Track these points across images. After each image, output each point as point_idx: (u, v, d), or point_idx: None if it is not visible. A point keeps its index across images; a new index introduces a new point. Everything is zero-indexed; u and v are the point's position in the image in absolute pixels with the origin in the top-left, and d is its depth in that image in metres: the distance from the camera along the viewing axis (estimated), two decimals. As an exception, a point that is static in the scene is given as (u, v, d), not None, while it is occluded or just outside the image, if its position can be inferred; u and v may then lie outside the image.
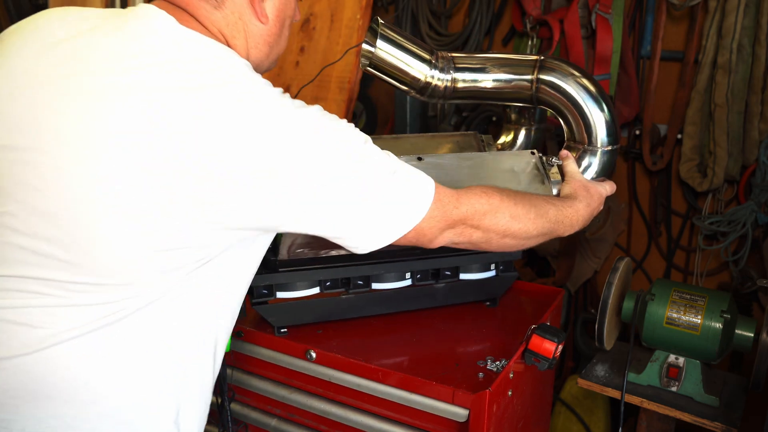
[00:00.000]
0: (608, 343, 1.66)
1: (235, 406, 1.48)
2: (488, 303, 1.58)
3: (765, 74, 1.95)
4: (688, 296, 1.57)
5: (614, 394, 1.63)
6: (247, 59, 1.04)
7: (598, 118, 1.41)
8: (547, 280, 2.41)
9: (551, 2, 2.23)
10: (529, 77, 1.44)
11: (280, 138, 0.89)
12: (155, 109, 0.85)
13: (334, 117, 0.99)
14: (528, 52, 2.27)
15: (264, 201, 0.90)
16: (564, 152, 1.40)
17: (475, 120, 2.50)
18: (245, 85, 0.91)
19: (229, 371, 1.46)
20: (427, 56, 1.42)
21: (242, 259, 1.02)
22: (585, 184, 1.33)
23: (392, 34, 1.41)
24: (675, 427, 1.64)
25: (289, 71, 2.66)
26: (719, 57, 1.97)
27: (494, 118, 2.46)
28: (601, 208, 1.37)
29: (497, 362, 1.27)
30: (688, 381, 1.58)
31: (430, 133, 1.67)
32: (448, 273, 1.49)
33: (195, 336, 1.00)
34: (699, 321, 1.53)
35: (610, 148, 1.43)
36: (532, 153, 1.45)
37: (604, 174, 1.45)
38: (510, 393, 1.27)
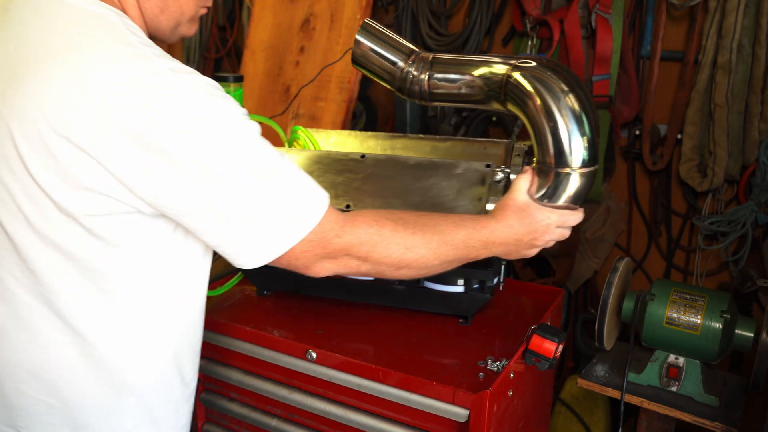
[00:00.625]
0: (608, 343, 1.66)
1: (235, 406, 1.48)
2: (460, 320, 1.48)
3: (765, 74, 1.95)
4: (688, 296, 1.57)
5: (614, 394, 1.63)
6: (140, 15, 1.02)
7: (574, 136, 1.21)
8: (547, 280, 2.41)
9: (551, 2, 2.23)
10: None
11: (155, 103, 0.87)
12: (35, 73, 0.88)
13: (230, 108, 0.94)
14: (528, 52, 2.27)
15: (134, 170, 0.88)
16: (526, 168, 1.24)
17: (474, 120, 2.50)
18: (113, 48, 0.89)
19: (229, 371, 1.46)
20: (404, 54, 1.40)
21: (167, 244, 1.00)
22: (520, 205, 1.18)
23: (375, 30, 1.41)
24: (675, 427, 1.64)
25: (289, 71, 2.66)
26: (719, 57, 1.97)
27: (494, 119, 2.46)
28: (548, 236, 1.20)
29: (498, 362, 1.26)
30: (688, 381, 1.58)
31: (462, 138, 1.61)
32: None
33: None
34: (699, 321, 1.53)
35: (587, 169, 1.22)
36: (487, 166, 1.37)
37: (576, 198, 1.24)
38: (510, 393, 1.27)
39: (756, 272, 2.04)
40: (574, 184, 1.19)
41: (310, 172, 1.45)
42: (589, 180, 1.21)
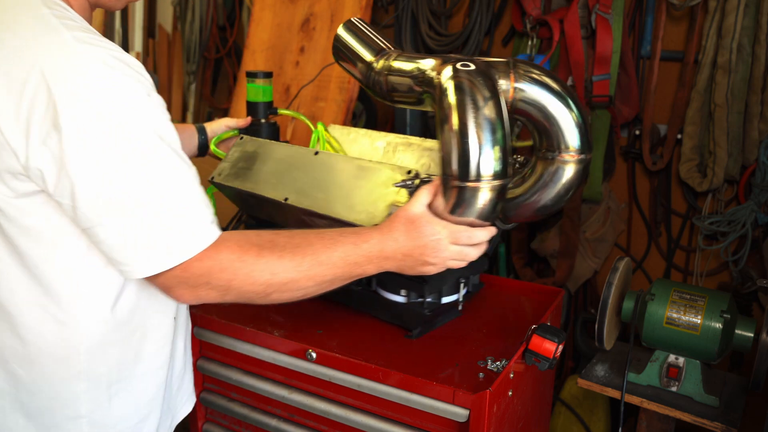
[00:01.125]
0: (608, 343, 1.66)
1: (235, 406, 1.48)
2: (406, 334, 1.40)
3: (765, 74, 1.95)
4: (688, 296, 1.57)
5: (614, 394, 1.63)
6: None
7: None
8: (547, 280, 2.41)
9: (551, 2, 2.23)
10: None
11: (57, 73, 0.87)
12: None
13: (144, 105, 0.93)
14: (528, 52, 2.27)
15: (30, 143, 0.88)
16: (436, 179, 1.14)
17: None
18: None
19: (229, 371, 1.46)
20: (374, 51, 1.40)
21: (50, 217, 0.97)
22: (410, 217, 1.10)
23: (356, 27, 1.44)
24: (675, 427, 1.64)
25: (289, 71, 2.66)
26: (719, 57, 1.97)
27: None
28: (442, 254, 1.10)
29: (497, 362, 1.26)
30: (688, 381, 1.58)
31: None
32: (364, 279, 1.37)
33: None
34: (699, 321, 1.53)
35: (496, 183, 1.13)
36: (408, 172, 1.30)
37: (484, 214, 1.13)
38: (510, 393, 1.27)
39: (756, 272, 2.04)
40: (480, 198, 1.09)
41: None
42: (499, 194, 1.10)
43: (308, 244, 1.04)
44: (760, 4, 1.91)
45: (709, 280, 2.22)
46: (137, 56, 3.58)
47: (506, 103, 1.17)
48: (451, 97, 1.08)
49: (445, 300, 1.43)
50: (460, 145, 1.06)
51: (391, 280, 1.40)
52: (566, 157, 1.20)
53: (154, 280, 0.98)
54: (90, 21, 1.05)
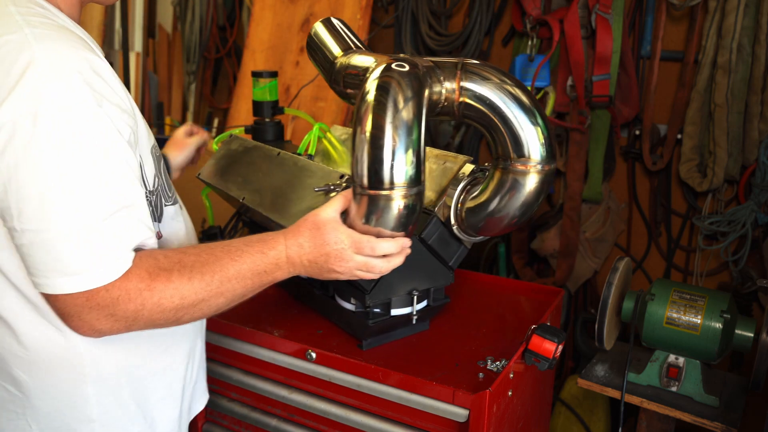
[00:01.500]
0: (608, 343, 1.66)
1: (235, 406, 1.48)
2: (358, 344, 1.36)
3: (765, 74, 1.95)
4: (688, 296, 1.57)
5: (614, 394, 1.63)
6: None
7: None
8: (547, 280, 2.41)
9: (551, 2, 2.23)
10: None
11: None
12: None
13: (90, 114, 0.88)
14: (528, 52, 2.27)
15: None
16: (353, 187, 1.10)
17: (475, 120, 2.49)
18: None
19: (229, 371, 1.46)
20: (340, 49, 1.39)
21: None
22: (317, 222, 1.06)
23: (332, 25, 1.43)
24: (675, 427, 1.64)
25: (289, 71, 2.66)
26: (719, 57, 1.97)
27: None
28: (345, 263, 1.06)
29: (497, 362, 1.26)
30: (688, 381, 1.58)
31: (434, 149, 1.51)
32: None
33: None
34: (699, 321, 1.53)
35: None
36: (342, 176, 1.30)
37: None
38: (510, 393, 1.27)
39: (756, 272, 2.04)
40: (391, 207, 1.05)
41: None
42: (414, 202, 1.06)
43: (215, 260, 1.00)
44: (760, 4, 1.91)
45: (709, 280, 2.22)
46: (137, 56, 3.58)
47: (453, 107, 1.14)
48: (369, 97, 1.04)
49: (397, 312, 1.33)
50: (371, 150, 1.02)
51: (344, 287, 1.34)
52: (519, 166, 1.14)
53: (53, 303, 0.93)
54: (77, 16, 1.03)
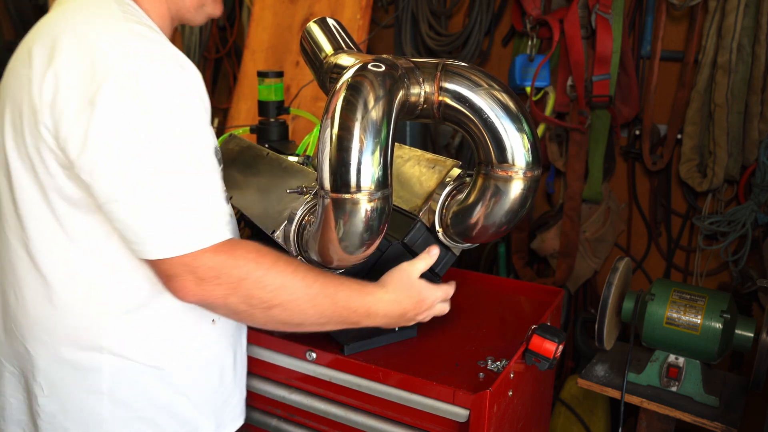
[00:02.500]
0: (608, 343, 1.66)
1: (235, 406, 1.48)
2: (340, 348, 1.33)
3: (765, 74, 1.95)
4: (688, 296, 1.57)
5: (614, 394, 1.63)
6: (165, 2, 1.07)
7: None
8: (547, 280, 2.41)
9: (551, 2, 2.23)
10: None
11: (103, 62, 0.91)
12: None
13: (184, 102, 0.95)
14: (528, 52, 2.27)
15: (71, 123, 0.92)
16: (432, 247, 1.20)
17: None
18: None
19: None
20: (333, 47, 1.38)
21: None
22: (409, 281, 1.15)
23: (326, 24, 1.42)
24: (675, 427, 1.64)
25: (289, 71, 2.66)
26: (719, 57, 1.97)
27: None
28: (431, 312, 1.20)
29: (498, 362, 1.26)
30: (688, 381, 1.58)
31: (424, 152, 1.47)
32: None
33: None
34: (699, 321, 1.53)
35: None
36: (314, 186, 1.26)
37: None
38: (510, 393, 1.27)
39: (756, 272, 2.04)
40: (358, 211, 1.06)
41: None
42: (382, 205, 1.06)
43: (320, 273, 1.06)
44: (760, 4, 1.91)
45: (709, 280, 2.22)
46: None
47: (433, 109, 1.12)
48: (338, 96, 1.03)
49: None
50: (336, 151, 1.01)
51: None
52: (501, 172, 1.11)
53: (160, 266, 0.96)
54: (169, 31, 1.10)
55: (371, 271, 1.24)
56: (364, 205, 1.04)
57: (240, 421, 1.25)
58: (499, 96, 1.09)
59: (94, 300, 1.03)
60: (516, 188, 1.12)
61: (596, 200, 2.28)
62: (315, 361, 1.32)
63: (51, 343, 1.05)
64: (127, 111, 0.90)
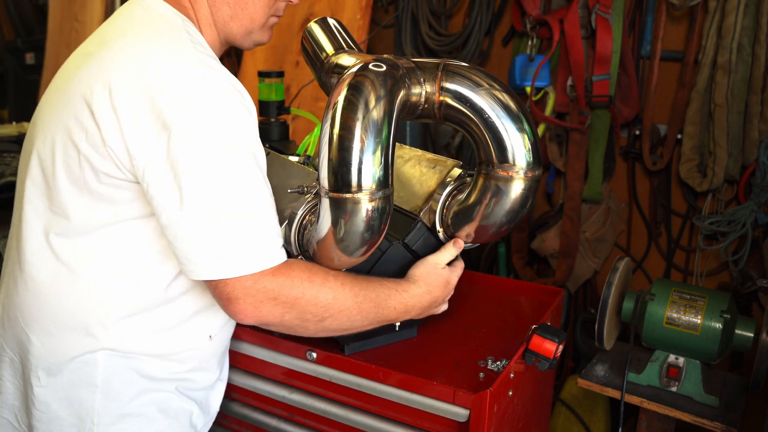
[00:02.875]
0: (608, 343, 1.66)
1: (235, 406, 1.48)
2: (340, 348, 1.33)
3: (765, 74, 1.95)
4: (688, 296, 1.57)
5: (614, 394, 1.63)
6: (212, 23, 1.12)
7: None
8: (547, 280, 2.41)
9: (551, 2, 2.23)
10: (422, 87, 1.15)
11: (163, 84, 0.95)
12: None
13: (244, 127, 0.99)
14: (528, 52, 2.27)
15: (136, 138, 0.96)
16: (457, 240, 1.23)
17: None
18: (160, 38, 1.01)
19: (229, 371, 1.46)
20: (334, 47, 1.38)
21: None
22: (436, 272, 1.21)
23: (327, 24, 1.42)
24: (675, 427, 1.64)
25: (289, 71, 2.66)
26: (719, 57, 1.97)
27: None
28: (449, 293, 1.25)
29: (498, 362, 1.26)
30: (688, 381, 1.58)
31: (425, 152, 1.47)
32: None
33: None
34: (699, 321, 1.53)
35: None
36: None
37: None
38: (510, 393, 1.27)
39: (756, 272, 2.04)
40: (359, 211, 1.06)
41: None
42: (383, 205, 1.06)
43: (362, 280, 1.11)
44: (760, 4, 1.91)
45: (709, 280, 2.22)
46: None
47: (434, 108, 1.12)
48: (339, 96, 1.04)
49: None
50: (337, 151, 1.02)
51: None
52: (502, 172, 1.11)
53: (222, 288, 0.99)
54: (219, 54, 1.16)
55: (371, 271, 1.24)
56: (365, 204, 1.04)
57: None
58: (500, 96, 1.09)
59: (95, 298, 1.05)
60: (517, 188, 1.12)
61: (596, 200, 2.28)
62: (315, 361, 1.32)
63: (52, 334, 1.07)
64: (191, 137, 0.94)
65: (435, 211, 1.25)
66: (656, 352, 1.62)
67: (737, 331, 1.53)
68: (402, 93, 1.08)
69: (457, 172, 1.28)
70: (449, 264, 1.25)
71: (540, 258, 2.48)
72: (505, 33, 2.44)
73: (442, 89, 1.11)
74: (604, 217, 2.31)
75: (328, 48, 1.40)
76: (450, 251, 1.23)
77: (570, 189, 2.28)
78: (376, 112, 1.03)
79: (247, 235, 0.97)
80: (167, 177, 0.95)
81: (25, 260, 1.08)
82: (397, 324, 1.32)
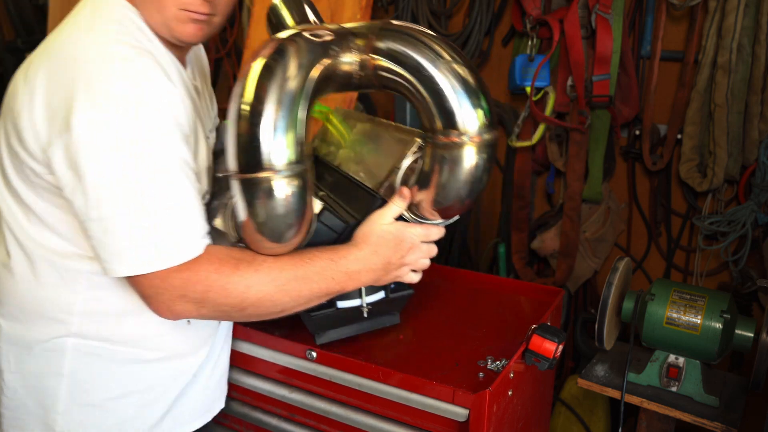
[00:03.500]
0: (608, 343, 1.66)
1: (235, 406, 1.48)
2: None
3: (765, 74, 1.95)
4: (688, 296, 1.57)
5: (614, 394, 1.63)
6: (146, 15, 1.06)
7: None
8: (547, 280, 2.41)
9: (551, 2, 2.23)
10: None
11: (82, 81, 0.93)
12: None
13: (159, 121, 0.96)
14: (528, 52, 2.27)
15: (50, 136, 0.95)
16: (403, 190, 1.11)
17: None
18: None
19: (229, 371, 1.46)
20: (297, 22, 1.28)
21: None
22: (380, 229, 1.10)
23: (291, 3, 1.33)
24: (675, 427, 1.64)
25: (289, 71, 2.66)
26: (719, 57, 1.97)
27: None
28: (415, 254, 1.13)
29: (497, 362, 1.27)
30: (688, 381, 1.58)
31: (385, 121, 1.39)
32: None
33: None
34: (699, 321, 1.53)
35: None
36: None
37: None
38: (510, 393, 1.27)
39: (756, 272, 2.04)
40: (272, 192, 0.98)
41: None
42: (297, 184, 0.98)
43: (287, 259, 1.04)
44: (760, 4, 1.91)
45: (709, 280, 2.22)
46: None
47: (371, 74, 1.03)
48: (248, 69, 0.96)
49: (344, 305, 1.24)
50: (243, 127, 0.94)
51: None
52: (446, 139, 1.00)
53: (136, 287, 1.00)
54: (181, 51, 1.13)
55: None
56: (279, 184, 0.96)
57: (201, 421, 1.27)
58: (436, 49, 0.98)
59: (59, 285, 1.05)
60: (468, 156, 1.01)
61: (596, 200, 2.28)
62: (315, 361, 1.32)
63: (22, 320, 1.08)
64: (97, 133, 0.92)
65: (394, 187, 1.17)
66: (656, 352, 1.62)
67: (737, 331, 1.53)
68: (325, 62, 1.00)
69: (419, 143, 1.18)
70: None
71: (540, 258, 2.48)
72: (505, 33, 2.44)
73: (374, 50, 1.01)
74: (604, 217, 2.31)
75: (290, 22, 1.31)
76: (396, 204, 1.11)
77: (570, 189, 2.28)
78: (290, 84, 0.95)
79: (150, 232, 0.95)
80: (71, 177, 0.94)
81: None
82: (364, 308, 1.25)
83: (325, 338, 1.29)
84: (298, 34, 1.01)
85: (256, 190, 0.96)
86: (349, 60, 1.03)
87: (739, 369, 2.10)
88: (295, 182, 0.97)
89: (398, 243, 1.11)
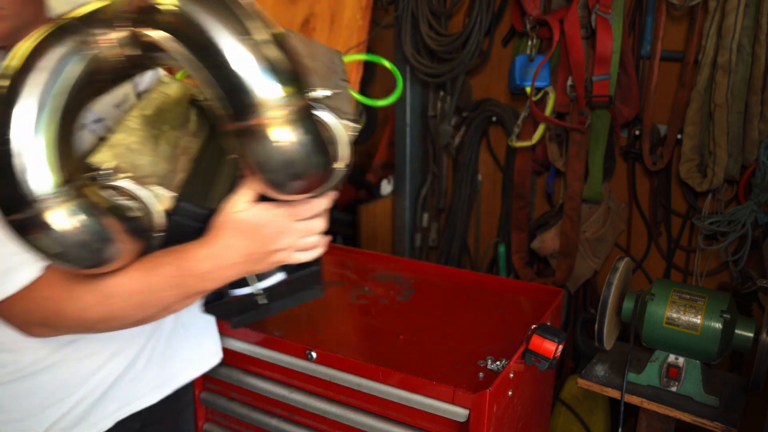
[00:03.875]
0: (608, 343, 1.66)
1: (235, 406, 1.48)
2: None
3: (765, 74, 1.95)
4: (688, 296, 1.57)
5: (614, 394, 1.63)
6: None
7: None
8: (547, 280, 2.41)
9: (551, 2, 2.23)
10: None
11: None
12: None
13: None
14: (528, 52, 2.27)
15: None
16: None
17: (474, 120, 2.50)
18: None
19: (229, 371, 1.46)
20: None
21: None
22: (231, 220, 0.92)
23: None
24: (675, 427, 1.64)
25: (289, 71, 2.66)
26: (719, 57, 1.97)
27: (494, 118, 2.46)
28: (288, 237, 0.94)
29: (497, 362, 1.27)
30: (687, 381, 1.58)
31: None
32: None
33: None
34: (699, 321, 1.53)
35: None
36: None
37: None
38: (510, 393, 1.27)
39: (756, 272, 2.04)
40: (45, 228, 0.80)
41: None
42: (74, 214, 0.80)
43: (127, 273, 0.92)
44: (760, 4, 1.91)
45: (709, 280, 2.22)
46: (137, 56, 3.57)
47: (141, 54, 0.85)
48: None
49: (238, 292, 1.07)
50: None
51: None
52: (236, 125, 0.80)
53: (9, 316, 0.96)
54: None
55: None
56: (54, 215, 0.79)
57: (158, 395, 1.22)
58: (212, 6, 0.81)
59: None
60: (282, 135, 0.80)
61: (596, 200, 2.28)
62: (315, 361, 1.32)
63: None
64: None
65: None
66: (656, 352, 1.62)
67: (737, 331, 1.53)
68: (82, 58, 0.82)
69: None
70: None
71: (540, 258, 2.48)
72: (505, 33, 2.44)
73: (137, 21, 0.83)
74: (604, 217, 2.31)
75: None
76: (245, 187, 0.92)
77: (570, 189, 2.28)
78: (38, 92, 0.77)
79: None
80: None
81: None
82: (258, 296, 1.07)
83: (241, 322, 1.14)
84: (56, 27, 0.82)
85: (31, 229, 0.79)
86: (111, 46, 0.84)
87: (739, 369, 2.10)
88: (75, 203, 0.80)
89: (256, 231, 0.93)
